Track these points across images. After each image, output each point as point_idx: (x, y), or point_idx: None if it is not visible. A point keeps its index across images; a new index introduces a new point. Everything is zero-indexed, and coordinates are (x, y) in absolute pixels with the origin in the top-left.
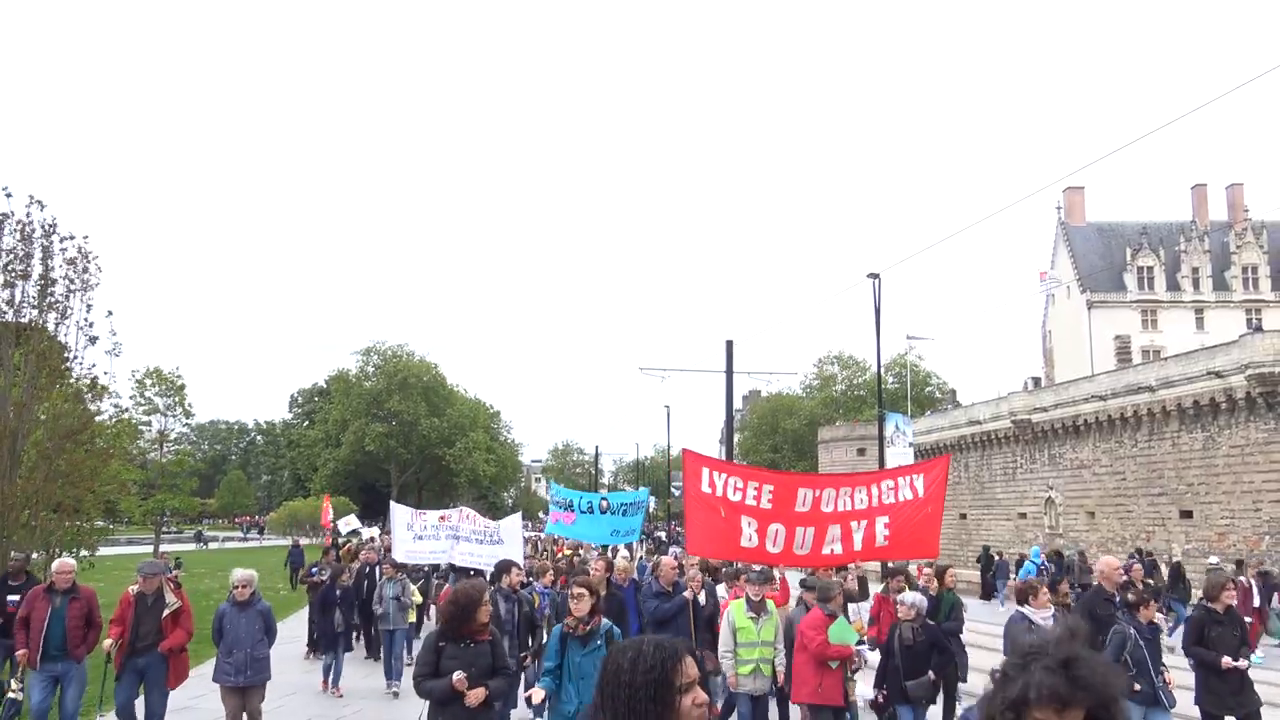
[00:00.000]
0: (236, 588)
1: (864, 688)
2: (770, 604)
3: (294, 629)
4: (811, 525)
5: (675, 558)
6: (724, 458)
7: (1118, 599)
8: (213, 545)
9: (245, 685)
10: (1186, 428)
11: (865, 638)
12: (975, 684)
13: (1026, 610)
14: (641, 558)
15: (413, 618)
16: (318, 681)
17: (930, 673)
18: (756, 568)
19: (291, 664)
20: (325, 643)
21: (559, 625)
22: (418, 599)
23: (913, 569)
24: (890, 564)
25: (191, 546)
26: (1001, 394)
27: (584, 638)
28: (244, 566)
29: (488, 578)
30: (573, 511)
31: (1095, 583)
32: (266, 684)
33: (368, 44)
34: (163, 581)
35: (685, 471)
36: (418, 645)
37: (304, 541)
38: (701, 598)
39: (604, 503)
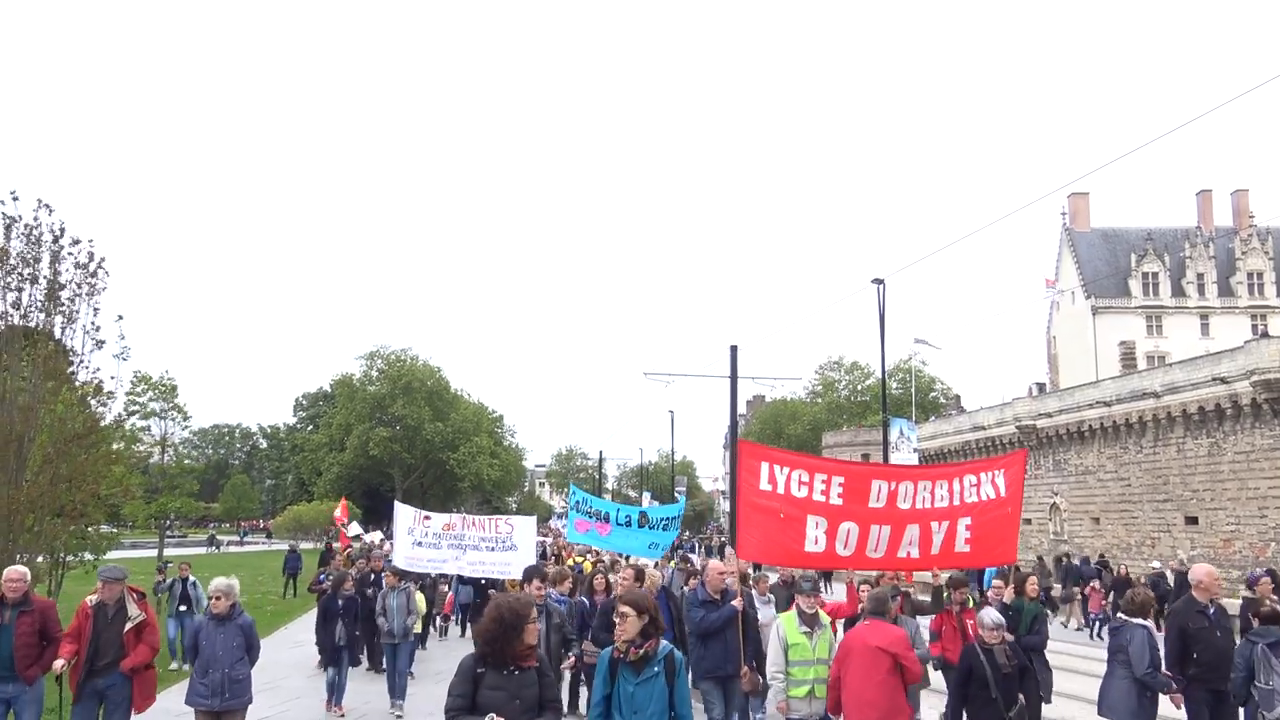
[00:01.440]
0: (213, 599)
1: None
2: (824, 616)
3: (296, 634)
4: (887, 524)
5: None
6: (728, 464)
7: (1211, 610)
8: (220, 549)
9: (221, 710)
10: (1192, 434)
11: (932, 656)
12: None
13: (1148, 624)
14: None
15: (418, 628)
16: (322, 689)
17: (1020, 696)
18: (809, 576)
19: (297, 669)
20: (326, 656)
21: (606, 650)
22: (422, 608)
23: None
24: (950, 573)
25: (203, 550)
26: (1006, 399)
27: (636, 664)
28: (253, 570)
29: (504, 587)
30: (608, 523)
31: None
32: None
33: (373, 50)
34: (124, 591)
35: (740, 467)
36: (420, 656)
37: (306, 546)
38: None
39: (643, 516)
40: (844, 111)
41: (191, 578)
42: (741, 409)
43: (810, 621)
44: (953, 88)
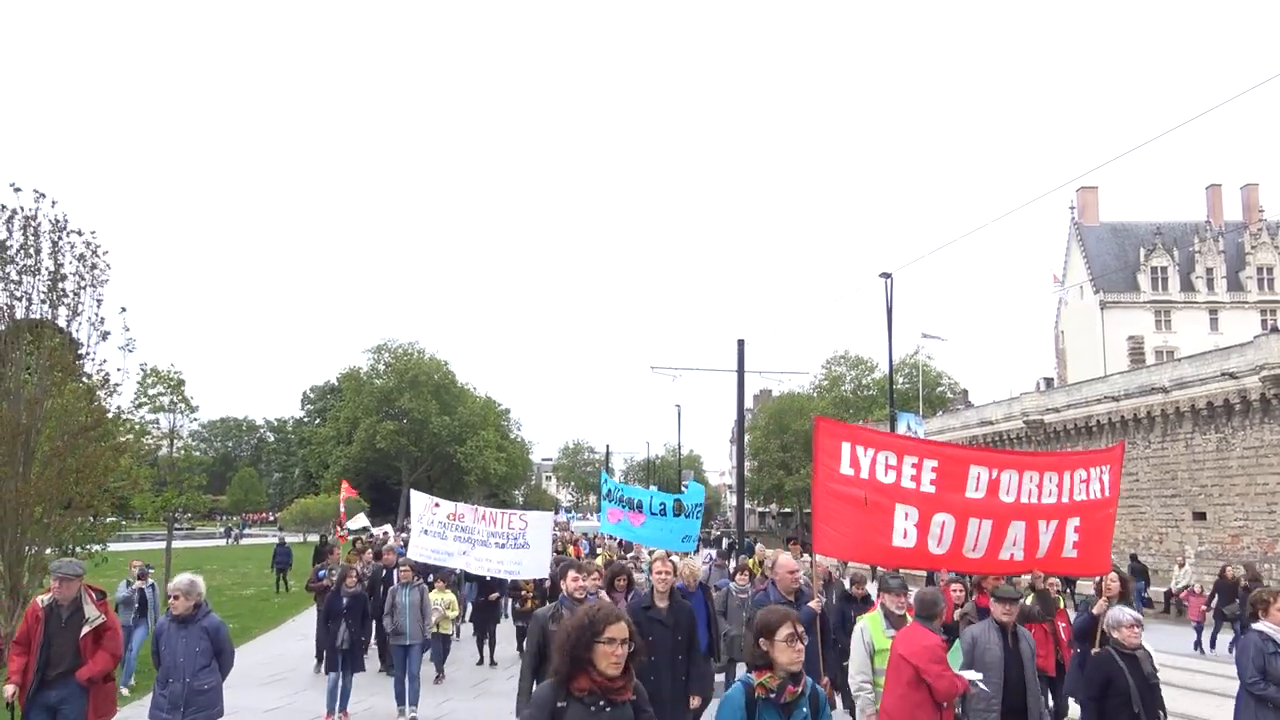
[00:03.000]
0: (173, 598)
1: None
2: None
3: (303, 626)
4: (989, 518)
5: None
6: (735, 458)
7: None
8: (222, 543)
9: None
10: (1200, 429)
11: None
12: None
13: (1266, 628)
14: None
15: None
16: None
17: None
18: (894, 574)
19: (306, 661)
20: (328, 660)
21: (738, 685)
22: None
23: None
24: (1025, 575)
25: (220, 542)
26: (1014, 394)
27: (788, 706)
28: (260, 562)
29: (509, 587)
30: (642, 513)
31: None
32: None
33: (381, 45)
34: (82, 590)
35: (817, 448)
36: (424, 657)
37: (314, 539)
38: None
39: (678, 504)
40: (851, 106)
41: (150, 581)
42: (748, 403)
43: (898, 624)
44: (961, 82)
